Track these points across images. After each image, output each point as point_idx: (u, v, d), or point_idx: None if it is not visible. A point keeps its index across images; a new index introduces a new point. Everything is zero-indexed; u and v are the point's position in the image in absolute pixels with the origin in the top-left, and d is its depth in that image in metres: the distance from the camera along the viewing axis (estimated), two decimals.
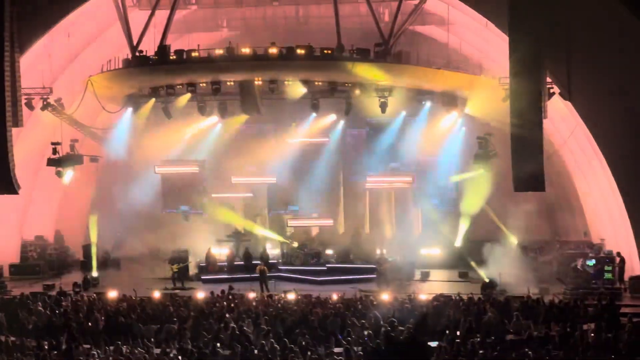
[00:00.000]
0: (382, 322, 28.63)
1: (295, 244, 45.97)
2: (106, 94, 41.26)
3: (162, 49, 38.44)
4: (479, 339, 26.15)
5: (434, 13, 43.17)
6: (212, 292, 35.31)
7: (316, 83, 40.27)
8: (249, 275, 41.84)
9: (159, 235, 45.67)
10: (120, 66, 39.67)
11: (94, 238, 45.61)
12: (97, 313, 30.32)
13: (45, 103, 39.47)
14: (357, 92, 41.02)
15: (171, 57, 38.42)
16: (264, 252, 43.37)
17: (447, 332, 28.04)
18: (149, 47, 39.06)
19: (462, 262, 43.94)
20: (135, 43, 39.12)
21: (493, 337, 26.90)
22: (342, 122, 46.74)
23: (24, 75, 37.90)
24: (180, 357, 25.38)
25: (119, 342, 26.45)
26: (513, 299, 32.25)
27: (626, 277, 37.53)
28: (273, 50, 38.04)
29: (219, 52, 38.37)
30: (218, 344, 26.33)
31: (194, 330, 28.20)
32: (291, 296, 34.62)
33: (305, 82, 39.62)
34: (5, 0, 35.57)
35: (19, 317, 30.30)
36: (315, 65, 38.68)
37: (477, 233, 44.63)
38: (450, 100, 41.84)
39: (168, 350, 25.94)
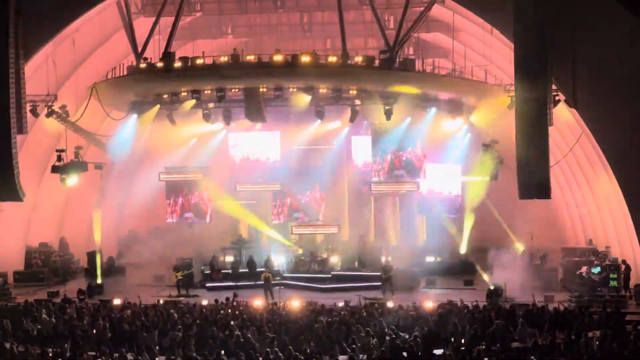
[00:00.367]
0: (387, 330, 28.56)
1: (300, 251, 45.93)
2: (111, 101, 41.32)
3: (167, 55, 38.47)
4: (484, 347, 26.05)
5: (439, 20, 43.18)
6: (216, 300, 35.23)
7: (321, 90, 40.20)
8: (253, 283, 41.83)
9: (163, 243, 45.59)
10: (125, 73, 39.73)
11: (98, 245, 45.66)
12: (102, 320, 30.23)
13: (49, 110, 39.46)
14: (362, 99, 41.12)
15: (176, 64, 38.44)
16: (268, 260, 43.32)
17: (453, 340, 27.96)
18: (153, 54, 39.12)
19: (467, 269, 43.94)
20: (139, 50, 39.18)
21: (498, 345, 26.81)
22: (347, 129, 46.69)
23: (29, 82, 37.95)
24: None
25: (124, 350, 26.40)
26: (518, 307, 32.13)
27: (631, 284, 37.45)
28: (278, 58, 38.04)
29: (224, 59, 38.38)
30: (222, 352, 26.26)
31: (199, 338, 28.11)
32: (296, 304, 34.55)
33: (310, 89, 39.58)
34: (10, 8, 35.59)
35: (24, 325, 30.25)
36: (321, 73, 38.64)
37: (482, 240, 44.59)
38: (455, 107, 41.83)
39: (172, 357, 25.87)
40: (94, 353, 26.78)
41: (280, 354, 25.37)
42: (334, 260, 44.93)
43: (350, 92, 40.82)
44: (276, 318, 30.86)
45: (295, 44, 43.93)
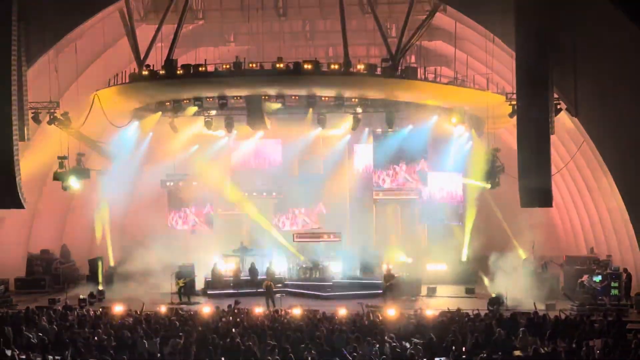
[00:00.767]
0: (387, 338, 28.52)
1: (302, 258, 45.93)
2: (113, 108, 41.32)
3: (169, 63, 38.50)
4: (485, 356, 26.03)
5: (441, 28, 43.20)
6: (217, 307, 35.22)
7: (323, 98, 40.24)
8: (254, 290, 41.85)
9: (165, 249, 45.57)
10: (127, 80, 39.75)
11: (100, 252, 45.72)
12: (103, 327, 30.24)
13: (52, 117, 39.49)
14: (364, 106, 41.22)
15: (178, 72, 38.47)
16: (270, 267, 43.31)
17: (454, 348, 27.92)
18: (156, 61, 39.15)
19: (468, 277, 43.95)
20: (142, 57, 39.23)
21: (499, 353, 26.78)
22: (348, 137, 46.75)
23: (31, 89, 38.02)
24: None
25: (125, 357, 26.37)
26: (519, 315, 32.11)
27: (632, 293, 37.43)
28: (280, 65, 38.08)
29: (226, 66, 38.43)
30: (223, 359, 26.26)
31: (200, 345, 28.09)
32: (297, 311, 34.53)
33: (312, 98, 39.64)
34: (13, 15, 35.68)
35: (25, 332, 30.23)
36: (322, 81, 38.68)
37: (484, 247, 44.62)
38: (457, 115, 41.87)
39: None
40: None
41: None
42: (336, 267, 44.88)
43: (352, 99, 40.89)
44: (277, 326, 30.84)
45: (298, 52, 43.93)
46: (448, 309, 34.21)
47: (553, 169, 34.42)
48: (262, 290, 40.80)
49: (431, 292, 42.17)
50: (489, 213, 45.48)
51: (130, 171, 45.36)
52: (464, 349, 27.87)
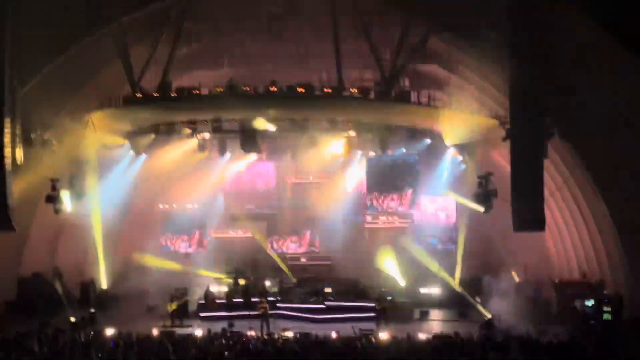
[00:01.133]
0: None
1: (294, 280, 45.92)
2: (106, 131, 41.38)
3: (164, 86, 38.56)
4: None
5: (435, 52, 43.30)
6: (209, 330, 35.12)
7: (315, 122, 40.38)
8: (248, 313, 41.77)
9: (158, 272, 45.53)
10: (121, 103, 39.78)
11: (92, 275, 45.66)
12: (95, 351, 30.11)
13: (44, 139, 39.45)
14: (357, 130, 41.33)
15: (172, 95, 38.52)
16: (263, 289, 43.21)
17: None
18: (150, 84, 39.22)
19: (461, 301, 43.94)
20: (136, 80, 39.28)
21: None
22: (341, 160, 46.82)
23: (23, 111, 37.98)
24: None
25: None
26: (512, 339, 32.07)
27: (624, 317, 37.40)
28: (274, 89, 38.16)
29: (220, 90, 38.49)
30: None
31: None
32: (290, 334, 34.45)
33: (305, 121, 39.73)
34: (7, 35, 35.71)
35: (14, 356, 30.09)
36: (315, 104, 38.76)
37: (476, 271, 44.70)
38: (451, 138, 41.98)
39: None
40: None
41: None
42: (328, 290, 44.81)
43: (345, 123, 40.97)
44: (270, 349, 30.77)
45: (292, 76, 43.98)
46: (441, 332, 34.21)
47: (546, 193, 34.44)
48: (255, 313, 40.78)
49: (424, 316, 42.12)
50: (481, 236, 45.52)
51: (124, 193, 45.37)
52: None
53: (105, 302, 44.93)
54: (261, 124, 39.09)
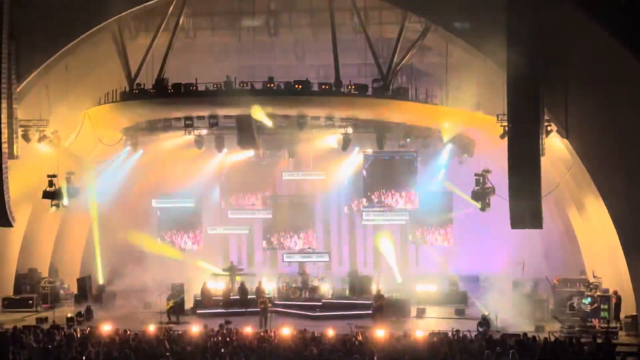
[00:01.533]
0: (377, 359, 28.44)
1: (291, 277, 45.84)
2: (103, 127, 41.33)
3: (160, 82, 38.50)
4: None
5: (433, 49, 43.24)
6: (206, 326, 35.08)
7: (313, 118, 40.32)
8: (244, 310, 41.76)
9: (154, 268, 45.46)
10: (118, 99, 39.73)
11: (88, 271, 45.60)
12: (91, 347, 30.06)
13: (41, 135, 39.46)
14: (355, 126, 41.29)
15: (169, 91, 38.46)
16: (259, 287, 43.13)
17: None
18: (146, 80, 39.15)
19: (458, 298, 43.92)
20: (133, 76, 39.24)
21: None
22: (339, 156, 46.71)
23: (21, 107, 37.94)
24: None
25: None
26: (509, 337, 32.03)
27: (622, 316, 37.38)
28: (271, 85, 38.13)
29: (217, 86, 38.40)
30: None
31: None
32: (286, 331, 34.38)
33: (302, 118, 39.66)
34: (4, 33, 35.67)
35: (11, 351, 30.05)
36: (313, 101, 38.71)
37: (474, 268, 44.70)
38: (448, 135, 41.96)
39: None
40: None
41: None
42: (325, 287, 44.74)
43: (343, 120, 40.91)
44: (266, 346, 30.72)
45: (289, 72, 43.89)
46: (438, 330, 34.16)
47: (543, 191, 34.40)
48: (252, 310, 40.78)
49: (421, 313, 42.04)
50: (478, 233, 45.47)
51: (121, 189, 45.32)
52: None
53: (102, 297, 44.86)
54: (257, 113, 38.95)
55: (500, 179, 36.33)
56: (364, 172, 46.27)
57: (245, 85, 38.38)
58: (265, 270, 47.49)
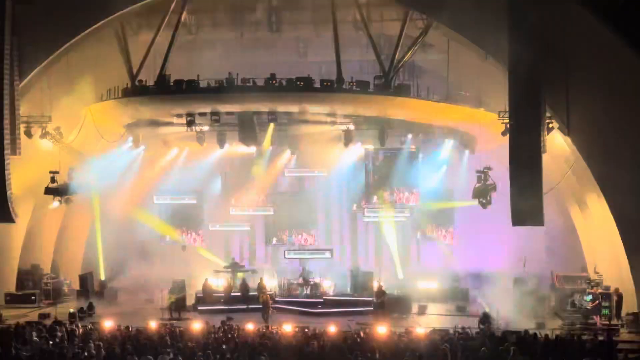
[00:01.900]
0: (378, 356, 28.46)
1: (293, 274, 45.86)
2: (105, 123, 41.35)
3: (162, 78, 38.54)
4: None
5: (434, 46, 43.24)
6: (207, 323, 35.10)
7: (315, 115, 40.40)
8: (245, 307, 41.77)
9: (156, 265, 45.54)
10: (120, 95, 39.76)
11: (90, 267, 45.63)
12: (93, 343, 30.09)
13: (44, 131, 39.50)
14: (357, 123, 41.34)
15: (171, 87, 38.49)
16: (261, 283, 43.17)
17: None
18: (148, 76, 39.19)
19: (460, 295, 43.91)
20: (134, 72, 39.28)
21: None
22: (342, 154, 46.73)
23: (23, 103, 37.96)
24: None
25: None
26: (510, 334, 32.05)
27: (623, 313, 37.38)
28: (273, 82, 38.18)
29: (219, 82, 38.46)
30: None
31: None
32: (288, 328, 34.41)
33: (304, 114, 39.75)
34: (6, 29, 35.69)
35: (14, 347, 30.08)
36: (314, 97, 38.75)
37: (476, 265, 44.69)
38: (449, 132, 41.98)
39: None
40: None
41: None
42: (327, 284, 44.76)
43: (345, 116, 40.95)
44: (267, 342, 30.74)
45: (290, 68, 43.89)
46: (439, 326, 34.15)
47: (545, 188, 34.41)
48: (253, 306, 40.84)
49: (422, 310, 42.07)
50: (480, 230, 45.44)
51: (123, 185, 45.35)
52: None
53: (104, 294, 44.94)
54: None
55: (501, 176, 36.31)
56: (366, 169, 46.29)
57: (247, 82, 38.43)
58: (266, 267, 47.47)
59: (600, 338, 31.39)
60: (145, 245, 47.09)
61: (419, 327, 34.81)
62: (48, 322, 36.69)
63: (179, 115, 40.93)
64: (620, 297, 37.49)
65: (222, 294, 43.76)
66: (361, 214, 48.07)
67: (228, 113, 40.66)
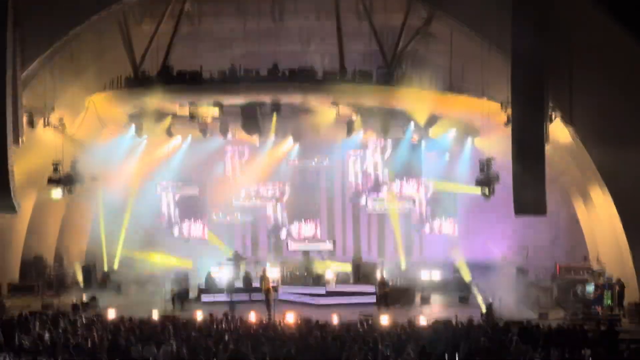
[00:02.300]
0: (381, 347, 28.47)
1: (295, 265, 45.89)
2: (108, 113, 41.35)
3: (165, 69, 38.54)
4: None
5: (437, 36, 43.19)
6: (210, 314, 35.11)
7: (318, 105, 40.41)
8: (248, 298, 41.79)
9: (160, 256, 45.59)
10: (123, 86, 39.76)
11: (94, 258, 45.69)
12: (96, 333, 30.14)
13: (46, 121, 39.49)
14: (359, 113, 41.32)
15: (174, 78, 38.49)
16: (264, 274, 43.20)
17: (447, 356, 27.87)
18: (151, 66, 39.20)
19: (462, 286, 43.90)
20: (137, 62, 39.27)
21: None
22: (343, 143, 46.74)
23: (26, 93, 37.94)
24: None
25: None
26: (512, 324, 32.08)
27: (625, 303, 37.39)
28: (275, 72, 38.18)
29: (222, 73, 38.47)
30: None
31: (193, 352, 28.02)
32: (290, 319, 34.44)
33: (306, 105, 39.77)
34: (8, 18, 35.63)
35: (17, 337, 30.13)
36: (317, 88, 38.75)
37: (477, 255, 44.70)
38: (452, 122, 41.98)
39: None
40: None
41: None
42: (329, 275, 44.76)
43: (347, 107, 40.94)
44: (271, 333, 30.79)
45: (294, 59, 43.89)
46: (442, 317, 34.18)
47: (547, 177, 34.38)
48: (256, 298, 40.88)
49: (425, 301, 42.09)
50: (482, 220, 45.46)
51: (126, 176, 45.40)
52: (457, 357, 27.85)
53: (107, 285, 45.00)
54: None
55: (504, 166, 36.28)
56: (368, 159, 46.32)
57: (250, 72, 38.44)
58: (269, 258, 47.50)
59: (603, 328, 31.40)
60: (149, 236, 47.14)
61: (421, 318, 34.80)
62: (51, 312, 36.76)
63: (182, 105, 40.96)
64: (622, 287, 37.49)
65: (225, 286, 43.76)
66: (364, 204, 48.07)
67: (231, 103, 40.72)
